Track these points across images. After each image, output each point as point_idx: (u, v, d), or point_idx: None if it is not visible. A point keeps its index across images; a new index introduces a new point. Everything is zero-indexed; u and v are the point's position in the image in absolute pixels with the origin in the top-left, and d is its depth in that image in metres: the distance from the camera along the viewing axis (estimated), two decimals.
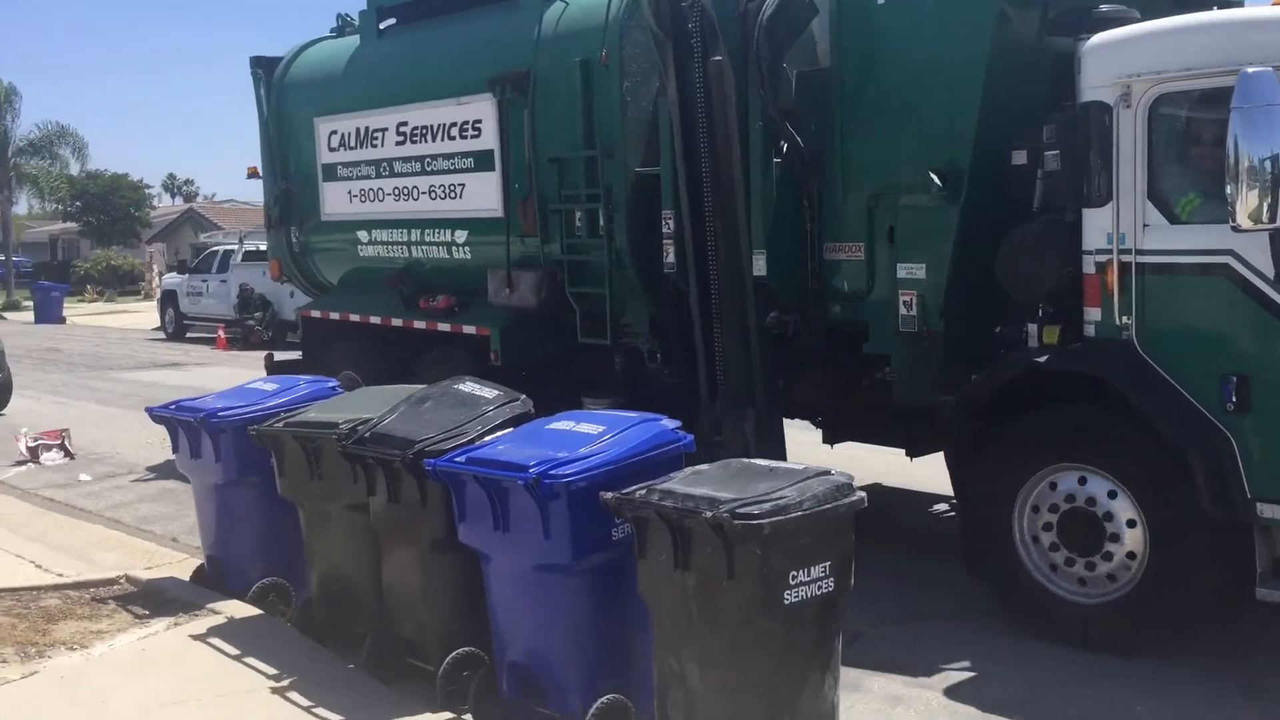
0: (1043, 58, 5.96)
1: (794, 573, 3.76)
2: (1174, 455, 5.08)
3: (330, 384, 6.50)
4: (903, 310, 6.29)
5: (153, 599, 6.33)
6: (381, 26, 9.45)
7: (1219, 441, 5.00)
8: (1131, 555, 5.31)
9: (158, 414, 6.47)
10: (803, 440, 9.62)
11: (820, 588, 3.84)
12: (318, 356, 9.92)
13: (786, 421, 8.44)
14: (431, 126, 8.70)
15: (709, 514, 3.72)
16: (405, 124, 8.92)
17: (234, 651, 5.46)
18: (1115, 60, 5.26)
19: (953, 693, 5.17)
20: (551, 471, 4.27)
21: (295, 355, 10.76)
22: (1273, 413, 4.90)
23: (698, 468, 4.29)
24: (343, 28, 10.14)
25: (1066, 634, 5.48)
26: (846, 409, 7.50)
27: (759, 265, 6.80)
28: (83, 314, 34.99)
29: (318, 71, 9.91)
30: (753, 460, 4.38)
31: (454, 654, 4.80)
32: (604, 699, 4.31)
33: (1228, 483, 4.97)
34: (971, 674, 5.33)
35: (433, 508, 4.88)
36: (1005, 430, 5.73)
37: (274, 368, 10.20)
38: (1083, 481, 5.44)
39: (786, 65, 6.71)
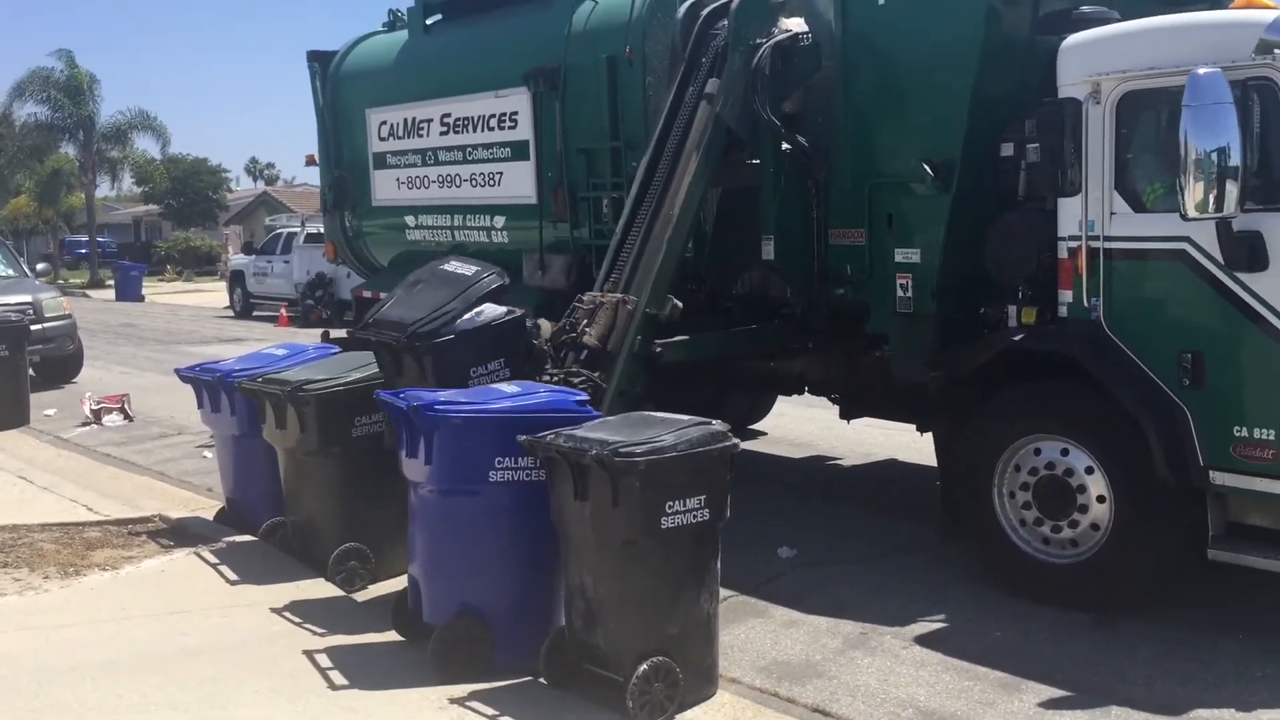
0: (1034, 55, 6.32)
1: (670, 503, 4.58)
2: (1136, 427, 5.46)
3: (333, 350, 7.31)
4: (899, 292, 6.72)
5: (179, 533, 7.28)
6: (429, 22, 9.98)
7: (1176, 413, 5.37)
8: (1095, 527, 5.71)
9: (184, 374, 7.43)
10: (819, 418, 10.12)
11: (695, 517, 4.64)
12: None
13: (809, 399, 8.98)
14: (472, 118, 9.23)
15: (595, 452, 4.50)
16: (449, 115, 9.46)
17: (234, 577, 6.37)
18: (1087, 59, 5.63)
19: (839, 616, 5.95)
20: (436, 405, 5.03)
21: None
22: (1223, 387, 5.27)
23: (605, 419, 5.08)
24: (394, 23, 10.67)
25: (1034, 589, 5.90)
26: (855, 386, 7.91)
27: (767, 251, 7.27)
28: (161, 292, 36.37)
29: (369, 65, 10.48)
30: (651, 413, 5.10)
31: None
32: (457, 613, 5.08)
33: (1183, 452, 5.35)
34: (864, 606, 6.07)
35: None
36: (989, 404, 6.14)
37: (331, 344, 10.83)
38: (1065, 453, 5.84)
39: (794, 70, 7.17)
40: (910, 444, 9.00)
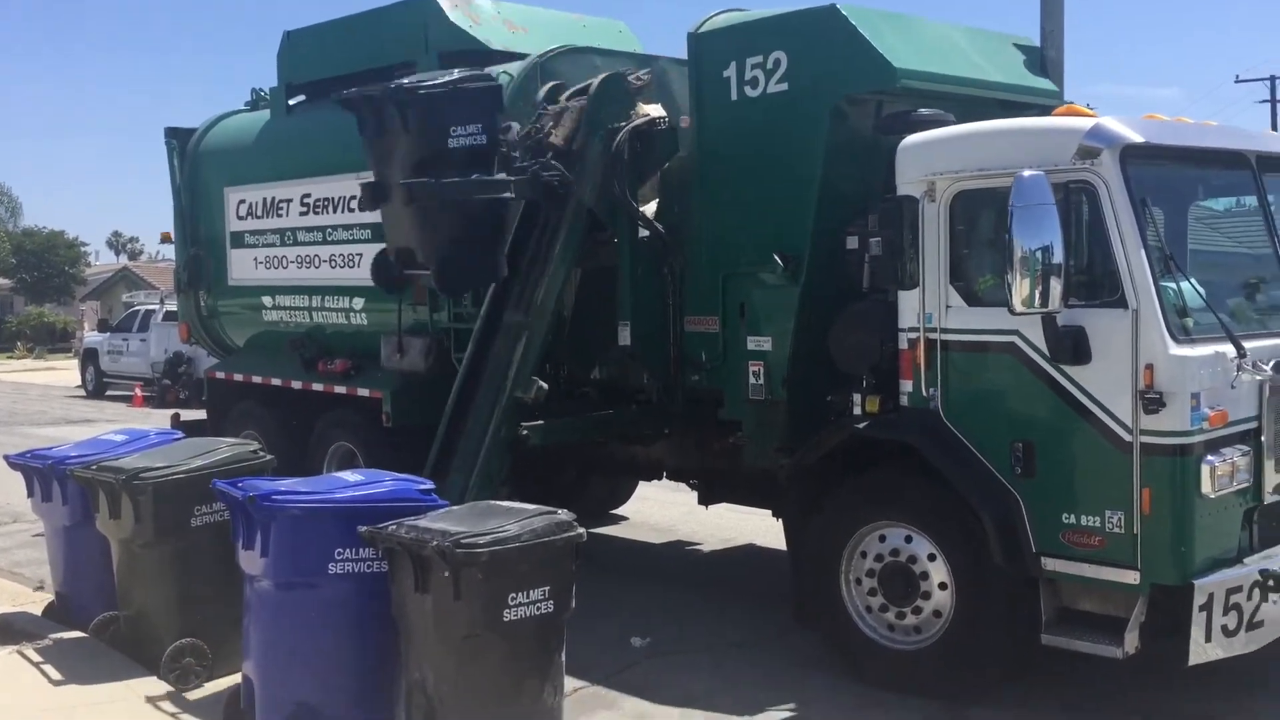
0: (877, 153, 6.55)
1: (513, 594, 4.48)
2: (973, 514, 5.61)
3: (176, 435, 7.05)
4: (752, 379, 6.82)
5: (2, 631, 6.85)
6: (291, 103, 9.94)
7: (1009, 501, 5.53)
8: (938, 613, 5.82)
9: (14, 461, 7.07)
10: (681, 502, 10.15)
11: (539, 609, 4.56)
12: (222, 416, 10.23)
13: (673, 483, 9.00)
14: (333, 199, 9.16)
15: (436, 543, 4.41)
16: (309, 195, 9.37)
17: (59, 677, 6.05)
18: (922, 159, 5.87)
19: (689, 707, 5.89)
20: (274, 495, 4.91)
21: (204, 415, 11.03)
22: (1053, 476, 5.46)
23: (450, 508, 4.97)
24: (256, 101, 10.59)
25: (881, 676, 5.97)
26: (712, 472, 7.97)
27: (624, 336, 7.33)
28: (9, 370, 34.82)
29: (229, 143, 10.34)
30: (496, 503, 5.04)
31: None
32: (291, 713, 4.98)
33: (1017, 539, 5.50)
34: (715, 696, 6.03)
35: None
36: (835, 489, 6.24)
37: (180, 427, 10.47)
38: (908, 539, 5.95)
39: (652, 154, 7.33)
40: (769, 528, 9.04)
